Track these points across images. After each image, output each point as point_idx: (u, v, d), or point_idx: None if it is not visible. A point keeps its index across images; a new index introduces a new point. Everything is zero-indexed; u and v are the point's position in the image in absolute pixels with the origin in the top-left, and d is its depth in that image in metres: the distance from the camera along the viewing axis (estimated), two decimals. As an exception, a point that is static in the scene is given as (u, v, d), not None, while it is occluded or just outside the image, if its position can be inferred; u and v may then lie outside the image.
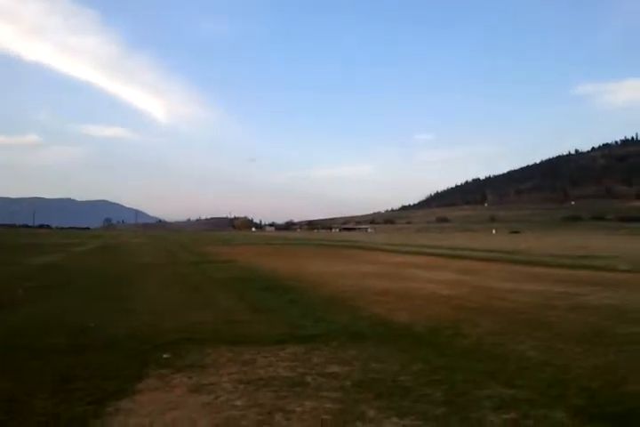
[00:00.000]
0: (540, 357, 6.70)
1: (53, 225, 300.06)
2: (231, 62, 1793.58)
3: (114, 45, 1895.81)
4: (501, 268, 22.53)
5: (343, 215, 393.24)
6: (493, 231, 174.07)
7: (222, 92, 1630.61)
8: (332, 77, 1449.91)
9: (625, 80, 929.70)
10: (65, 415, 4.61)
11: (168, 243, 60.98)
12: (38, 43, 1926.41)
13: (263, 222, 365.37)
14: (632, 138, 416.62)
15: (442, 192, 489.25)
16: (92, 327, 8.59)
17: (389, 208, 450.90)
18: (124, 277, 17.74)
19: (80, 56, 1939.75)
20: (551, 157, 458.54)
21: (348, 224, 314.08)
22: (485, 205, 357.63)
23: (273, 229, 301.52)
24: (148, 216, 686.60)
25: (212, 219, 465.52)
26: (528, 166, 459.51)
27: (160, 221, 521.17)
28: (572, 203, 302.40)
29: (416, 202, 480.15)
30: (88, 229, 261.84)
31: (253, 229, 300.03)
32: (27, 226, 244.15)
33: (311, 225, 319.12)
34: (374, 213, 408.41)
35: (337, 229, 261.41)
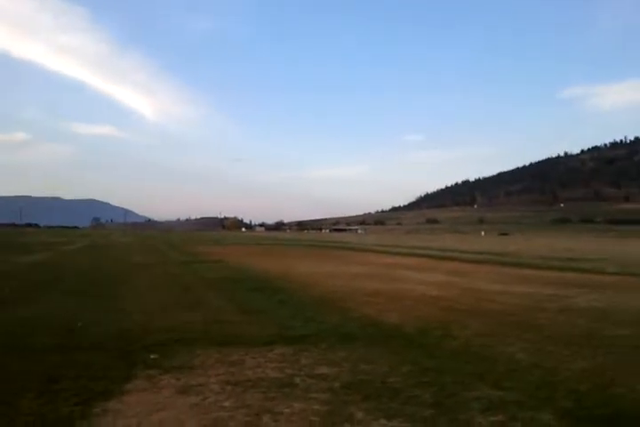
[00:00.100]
0: (528, 359, 6.72)
1: (41, 224, 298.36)
2: (222, 62, 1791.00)
3: (103, 44, 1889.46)
4: (490, 270, 22.61)
5: (333, 216, 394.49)
6: (482, 233, 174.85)
7: (212, 91, 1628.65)
8: (324, 78, 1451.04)
9: (614, 83, 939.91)
10: (51, 416, 4.56)
11: (158, 242, 60.75)
12: (27, 40, 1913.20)
13: (253, 223, 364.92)
14: (621, 141, 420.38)
15: (432, 193, 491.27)
16: (79, 327, 8.52)
17: (380, 209, 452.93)
18: (114, 277, 17.63)
19: (69, 54, 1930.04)
20: (540, 159, 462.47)
21: (338, 225, 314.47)
22: (475, 206, 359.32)
23: (263, 229, 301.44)
24: (136, 215, 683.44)
25: (201, 219, 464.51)
26: (518, 169, 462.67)
27: (149, 220, 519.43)
28: (561, 205, 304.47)
29: (406, 203, 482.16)
30: (76, 228, 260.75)
31: (243, 229, 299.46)
32: (14, 225, 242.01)
33: (301, 226, 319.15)
34: (364, 214, 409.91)
35: (327, 230, 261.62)
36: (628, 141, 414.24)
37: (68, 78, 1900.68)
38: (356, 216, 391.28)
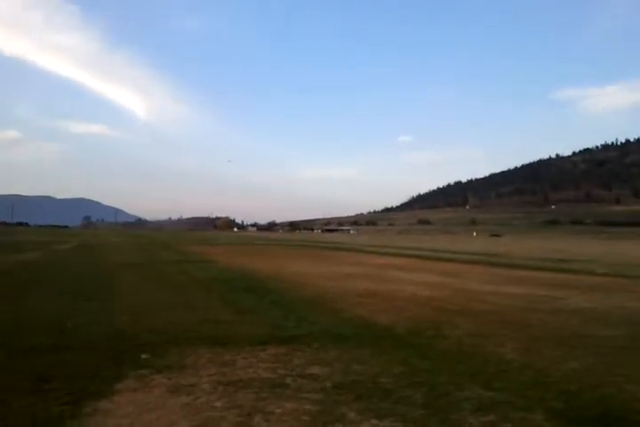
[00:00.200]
0: (519, 359, 6.75)
1: (32, 223, 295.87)
2: (215, 61, 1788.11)
3: (96, 42, 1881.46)
4: (482, 270, 22.71)
5: (325, 216, 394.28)
6: (474, 234, 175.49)
7: (205, 91, 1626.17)
8: (317, 79, 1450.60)
9: (606, 86, 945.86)
10: (42, 416, 4.53)
11: (148, 242, 60.47)
12: (18, 38, 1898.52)
13: (245, 223, 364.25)
14: (612, 143, 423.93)
15: (424, 194, 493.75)
16: (70, 327, 8.47)
17: (372, 210, 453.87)
18: (105, 277, 17.53)
19: (61, 52, 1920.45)
20: (532, 161, 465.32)
21: (331, 225, 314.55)
22: (467, 207, 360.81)
23: (255, 229, 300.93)
24: (127, 215, 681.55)
25: (193, 218, 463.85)
26: (509, 170, 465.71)
27: (140, 219, 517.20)
28: (553, 207, 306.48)
29: (398, 204, 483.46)
30: (67, 227, 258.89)
31: (235, 229, 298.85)
32: (5, 223, 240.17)
33: (293, 226, 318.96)
34: (357, 215, 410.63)
35: (319, 231, 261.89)
36: (619, 144, 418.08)
37: (60, 77, 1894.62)
38: (349, 217, 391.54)
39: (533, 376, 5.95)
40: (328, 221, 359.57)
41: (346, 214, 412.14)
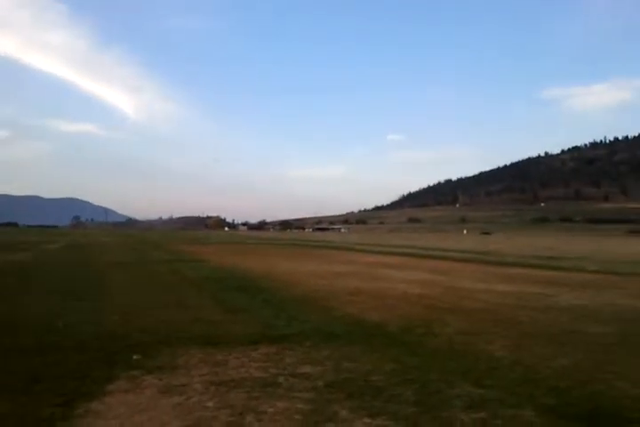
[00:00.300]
0: (509, 356, 6.79)
1: (20, 223, 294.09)
2: (206, 60, 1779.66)
3: (84, 41, 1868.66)
4: (473, 268, 22.82)
5: (316, 215, 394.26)
6: (464, 232, 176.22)
7: (194, 90, 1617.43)
8: (306, 78, 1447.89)
9: (594, 84, 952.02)
10: (32, 417, 4.51)
11: (139, 241, 60.26)
12: (5, 36, 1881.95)
13: (236, 222, 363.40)
14: (600, 141, 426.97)
15: (414, 193, 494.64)
16: (60, 327, 8.43)
17: (362, 208, 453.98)
18: (95, 276, 17.44)
19: (50, 51, 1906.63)
20: (521, 159, 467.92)
21: (322, 224, 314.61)
22: (457, 205, 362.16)
23: (246, 228, 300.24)
24: (117, 214, 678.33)
25: (184, 218, 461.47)
26: (499, 168, 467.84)
27: (130, 219, 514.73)
28: (542, 204, 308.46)
29: (389, 202, 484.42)
30: (56, 227, 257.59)
31: (226, 228, 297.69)
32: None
33: (284, 225, 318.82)
34: (347, 214, 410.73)
35: (310, 229, 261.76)
36: (608, 142, 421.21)
37: (49, 75, 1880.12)
38: (339, 215, 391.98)
39: (523, 373, 5.99)
40: (319, 220, 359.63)
41: (337, 213, 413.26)
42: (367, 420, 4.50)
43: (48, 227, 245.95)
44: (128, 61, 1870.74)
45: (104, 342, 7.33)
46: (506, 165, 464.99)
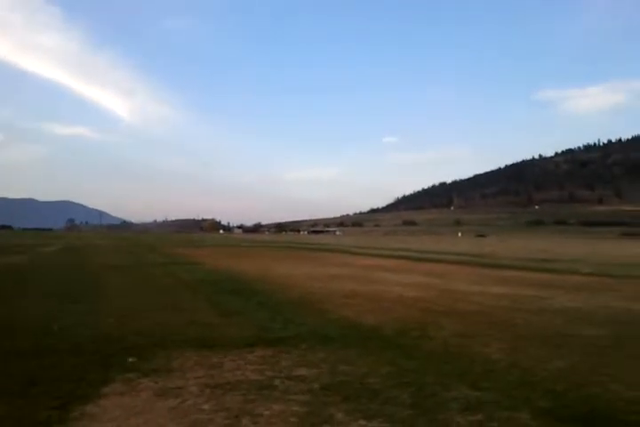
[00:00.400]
0: (505, 359, 6.80)
1: (15, 226, 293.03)
2: (199, 63, 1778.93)
3: (77, 44, 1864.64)
4: (467, 271, 22.85)
5: (311, 218, 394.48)
6: (459, 234, 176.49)
7: (189, 92, 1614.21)
8: (301, 80, 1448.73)
9: (588, 87, 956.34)
10: (28, 420, 4.49)
11: (134, 244, 60.11)
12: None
13: (231, 224, 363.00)
14: (594, 144, 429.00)
15: (409, 195, 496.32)
16: (56, 330, 8.40)
17: (357, 211, 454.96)
18: (90, 279, 17.40)
19: (43, 54, 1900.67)
20: (516, 161, 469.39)
21: (317, 227, 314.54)
22: (452, 208, 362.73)
23: (241, 231, 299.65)
24: (112, 217, 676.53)
25: (179, 220, 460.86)
26: (493, 171, 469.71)
27: (125, 222, 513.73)
28: (536, 207, 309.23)
29: (384, 205, 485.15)
30: (51, 230, 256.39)
31: (221, 231, 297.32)
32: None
33: (279, 227, 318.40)
34: (343, 216, 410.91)
35: (305, 232, 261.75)
36: (602, 144, 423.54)
37: (43, 78, 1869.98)
38: (334, 218, 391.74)
39: (519, 376, 6.00)
40: (314, 223, 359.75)
41: (332, 216, 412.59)
42: (363, 422, 4.50)
43: (43, 230, 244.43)
44: (122, 64, 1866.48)
45: (100, 345, 7.31)
46: (500, 168, 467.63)
